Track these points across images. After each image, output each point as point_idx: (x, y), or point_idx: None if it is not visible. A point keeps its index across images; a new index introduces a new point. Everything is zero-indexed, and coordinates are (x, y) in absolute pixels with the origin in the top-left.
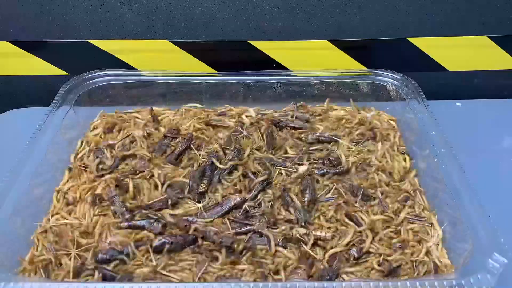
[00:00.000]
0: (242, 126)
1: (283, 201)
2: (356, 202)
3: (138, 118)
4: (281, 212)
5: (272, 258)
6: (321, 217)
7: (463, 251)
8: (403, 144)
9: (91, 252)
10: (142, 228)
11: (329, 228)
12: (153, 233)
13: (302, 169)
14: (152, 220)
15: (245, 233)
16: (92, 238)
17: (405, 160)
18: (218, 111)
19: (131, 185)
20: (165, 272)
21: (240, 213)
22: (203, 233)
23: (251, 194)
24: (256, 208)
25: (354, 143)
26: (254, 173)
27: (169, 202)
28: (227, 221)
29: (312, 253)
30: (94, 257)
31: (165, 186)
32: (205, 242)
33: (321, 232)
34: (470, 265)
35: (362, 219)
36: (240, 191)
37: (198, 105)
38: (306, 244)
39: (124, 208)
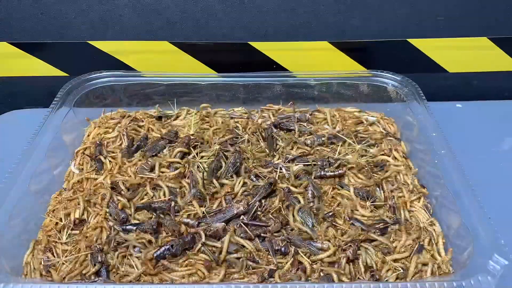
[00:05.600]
0: (242, 127)
1: (288, 204)
2: (356, 203)
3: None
4: (287, 215)
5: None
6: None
7: (463, 252)
8: (403, 146)
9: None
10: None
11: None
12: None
13: (296, 167)
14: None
15: (258, 235)
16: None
17: (405, 165)
18: (218, 113)
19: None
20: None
21: (248, 217)
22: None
23: (256, 197)
24: (264, 211)
25: (355, 145)
26: (256, 176)
27: (172, 205)
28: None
29: (306, 260)
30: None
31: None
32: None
33: (322, 244)
34: (471, 267)
35: (362, 220)
36: (242, 197)
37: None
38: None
39: (119, 210)
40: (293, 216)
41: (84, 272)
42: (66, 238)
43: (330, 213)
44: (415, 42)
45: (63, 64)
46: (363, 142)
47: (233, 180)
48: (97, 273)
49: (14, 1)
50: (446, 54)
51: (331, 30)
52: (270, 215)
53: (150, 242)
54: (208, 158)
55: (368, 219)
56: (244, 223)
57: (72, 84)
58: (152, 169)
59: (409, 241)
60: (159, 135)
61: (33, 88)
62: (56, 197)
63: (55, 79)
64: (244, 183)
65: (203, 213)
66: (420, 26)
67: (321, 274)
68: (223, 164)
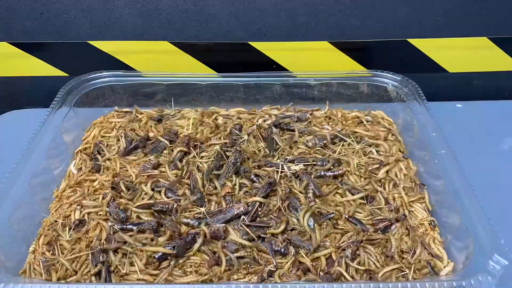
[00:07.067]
0: (241, 128)
1: (290, 204)
2: (356, 204)
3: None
4: (289, 215)
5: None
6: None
7: (463, 252)
8: (404, 146)
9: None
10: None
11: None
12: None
13: (297, 168)
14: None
15: (258, 236)
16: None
17: (405, 165)
18: (218, 113)
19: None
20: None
21: (249, 217)
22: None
23: (256, 197)
24: (265, 211)
25: (355, 144)
26: (256, 175)
27: (175, 206)
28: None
29: (307, 259)
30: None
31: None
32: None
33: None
34: (471, 267)
35: (362, 220)
36: (240, 200)
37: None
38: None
39: (119, 209)
40: (303, 218)
41: (85, 272)
42: (67, 238)
43: (331, 213)
44: (415, 42)
45: (63, 64)
46: (363, 142)
47: (233, 180)
48: (99, 273)
49: (14, 1)
50: (446, 54)
51: (331, 30)
52: (271, 215)
53: (151, 240)
54: (208, 158)
55: (369, 219)
56: (245, 224)
57: (72, 84)
58: (155, 167)
59: (409, 241)
60: (159, 136)
61: (33, 88)
62: (56, 198)
63: (55, 79)
64: (244, 183)
65: (203, 213)
66: (420, 26)
67: (321, 273)
68: (223, 164)
